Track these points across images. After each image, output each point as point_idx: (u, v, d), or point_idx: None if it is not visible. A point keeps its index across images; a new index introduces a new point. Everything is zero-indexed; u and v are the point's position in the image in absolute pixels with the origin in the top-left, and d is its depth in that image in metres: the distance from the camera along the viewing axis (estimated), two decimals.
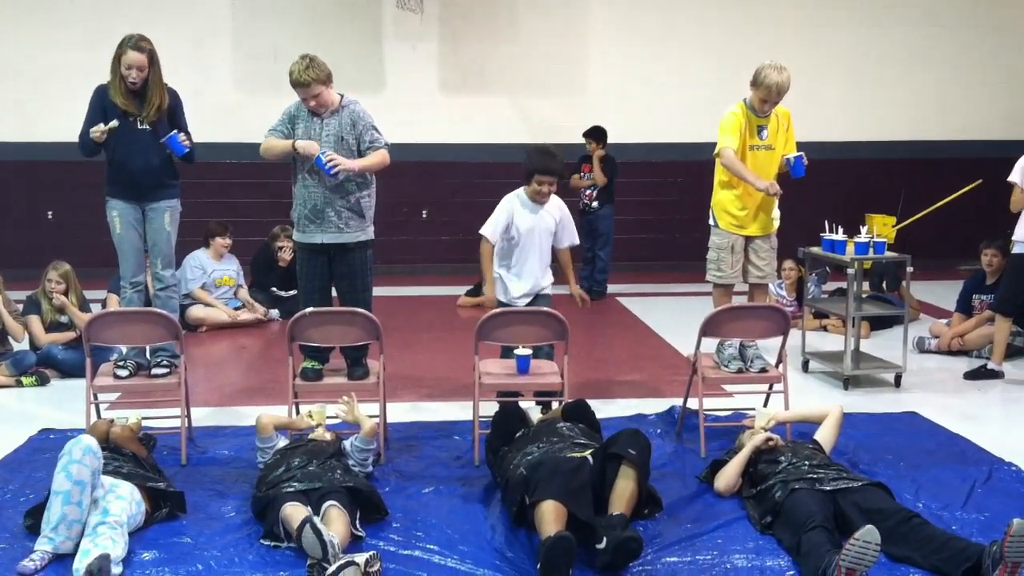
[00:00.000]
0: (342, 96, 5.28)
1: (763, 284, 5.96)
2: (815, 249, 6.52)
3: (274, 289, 8.61)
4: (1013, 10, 11.31)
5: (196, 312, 8.03)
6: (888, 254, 6.29)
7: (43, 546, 3.62)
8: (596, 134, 9.42)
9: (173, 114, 5.43)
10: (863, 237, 6.14)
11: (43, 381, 6.31)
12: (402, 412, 5.53)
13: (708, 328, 4.98)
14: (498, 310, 4.95)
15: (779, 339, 5.06)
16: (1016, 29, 11.35)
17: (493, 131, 10.86)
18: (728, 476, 4.31)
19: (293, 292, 7.75)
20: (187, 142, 5.31)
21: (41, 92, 10.21)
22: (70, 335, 6.60)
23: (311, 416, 4.58)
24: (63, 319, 6.68)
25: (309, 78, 5.04)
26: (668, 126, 10.94)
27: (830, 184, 10.25)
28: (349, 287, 5.35)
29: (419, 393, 6.10)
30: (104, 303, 7.29)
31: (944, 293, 8.59)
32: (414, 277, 10.60)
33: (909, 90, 11.28)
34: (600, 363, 6.95)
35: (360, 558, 3.38)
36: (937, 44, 11.25)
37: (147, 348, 5.25)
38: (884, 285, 8.50)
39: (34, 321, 6.63)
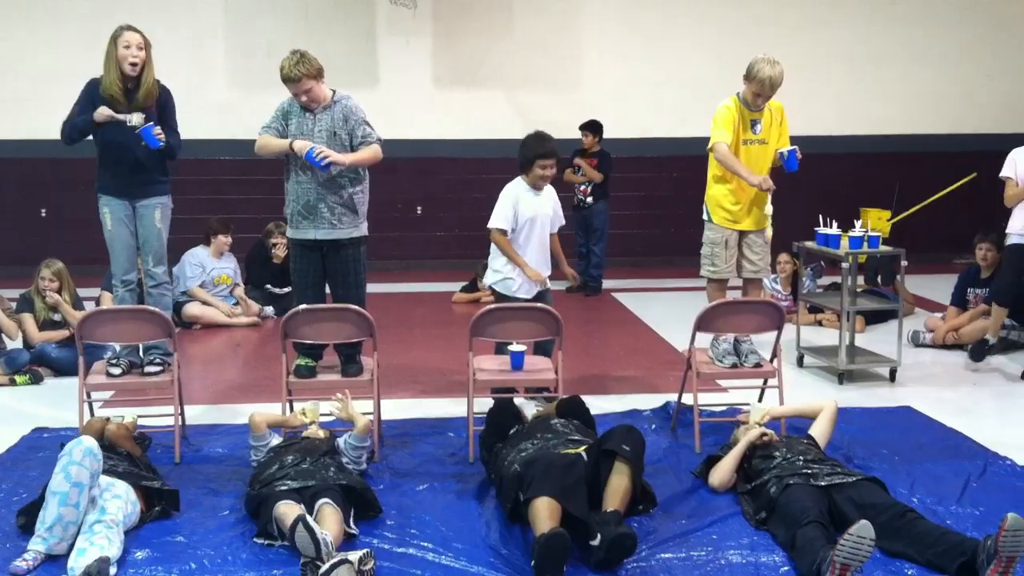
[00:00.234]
0: (334, 91, 5.26)
1: (757, 279, 5.96)
2: (809, 243, 6.51)
3: (268, 286, 8.59)
4: (1010, 6, 11.31)
5: (192, 309, 8.02)
6: (883, 248, 6.28)
7: (36, 546, 3.60)
8: (593, 127, 9.42)
9: (164, 111, 5.40)
10: (857, 231, 6.14)
11: (37, 380, 6.29)
12: (396, 409, 5.52)
13: (702, 323, 4.97)
14: (492, 306, 4.94)
15: (773, 334, 5.06)
16: (1013, 24, 11.35)
17: (488, 127, 10.82)
18: (723, 472, 4.31)
19: (288, 289, 7.74)
20: (162, 136, 5.25)
21: (39, 91, 10.15)
22: (64, 333, 6.58)
23: (304, 414, 4.57)
24: (56, 317, 6.66)
25: (299, 73, 5.02)
26: (663, 121, 10.92)
27: (825, 178, 10.23)
28: (342, 284, 5.33)
29: (413, 390, 6.08)
30: (98, 301, 7.27)
31: (939, 287, 8.59)
32: (408, 273, 10.58)
33: (905, 85, 11.26)
34: (595, 358, 6.94)
35: (354, 556, 3.37)
36: (934, 40, 11.24)
37: (140, 346, 5.23)
38: (879, 279, 8.50)
39: (27, 319, 6.61)
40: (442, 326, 8.07)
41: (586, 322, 8.16)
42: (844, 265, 6.13)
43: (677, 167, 10.89)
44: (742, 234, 5.75)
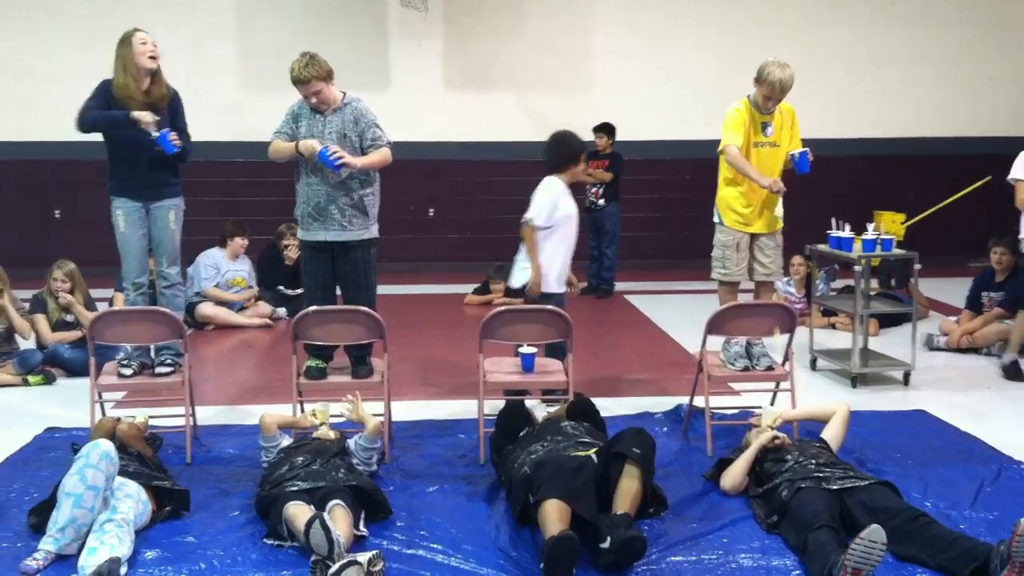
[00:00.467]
0: (344, 94, 5.27)
1: (769, 282, 5.93)
2: (822, 246, 6.48)
3: (281, 288, 8.62)
4: (1010, 6, 11.26)
5: (205, 310, 8.06)
6: (896, 251, 6.25)
7: (47, 546, 3.60)
8: (607, 129, 9.41)
9: (173, 113, 5.43)
10: (870, 234, 6.10)
11: (49, 380, 6.32)
12: (406, 410, 5.52)
13: (714, 326, 4.95)
14: (502, 308, 4.93)
15: (785, 337, 5.03)
16: (1013, 24, 11.29)
17: (499, 129, 10.84)
18: (734, 475, 4.29)
19: (300, 291, 7.76)
20: (177, 141, 5.28)
21: (39, 91, 10.21)
22: (76, 334, 6.61)
23: (315, 415, 4.57)
24: (69, 318, 6.70)
25: (309, 75, 5.03)
26: (674, 123, 10.91)
27: (838, 181, 10.20)
28: (352, 285, 5.33)
29: (424, 391, 6.08)
30: (111, 302, 7.30)
31: (953, 290, 8.54)
32: (420, 275, 10.59)
33: (905, 85, 11.23)
34: (606, 361, 6.93)
35: (363, 557, 3.37)
36: (934, 40, 11.21)
37: (152, 347, 5.25)
38: (892, 282, 8.46)
39: (40, 320, 6.65)
40: (452, 328, 8.07)
41: (598, 324, 8.15)
42: (857, 268, 6.09)
43: (689, 169, 10.87)
44: (754, 237, 5.73)
